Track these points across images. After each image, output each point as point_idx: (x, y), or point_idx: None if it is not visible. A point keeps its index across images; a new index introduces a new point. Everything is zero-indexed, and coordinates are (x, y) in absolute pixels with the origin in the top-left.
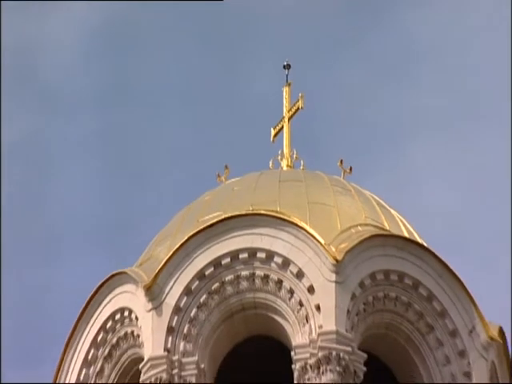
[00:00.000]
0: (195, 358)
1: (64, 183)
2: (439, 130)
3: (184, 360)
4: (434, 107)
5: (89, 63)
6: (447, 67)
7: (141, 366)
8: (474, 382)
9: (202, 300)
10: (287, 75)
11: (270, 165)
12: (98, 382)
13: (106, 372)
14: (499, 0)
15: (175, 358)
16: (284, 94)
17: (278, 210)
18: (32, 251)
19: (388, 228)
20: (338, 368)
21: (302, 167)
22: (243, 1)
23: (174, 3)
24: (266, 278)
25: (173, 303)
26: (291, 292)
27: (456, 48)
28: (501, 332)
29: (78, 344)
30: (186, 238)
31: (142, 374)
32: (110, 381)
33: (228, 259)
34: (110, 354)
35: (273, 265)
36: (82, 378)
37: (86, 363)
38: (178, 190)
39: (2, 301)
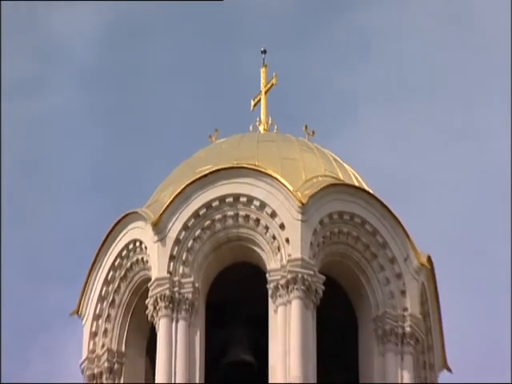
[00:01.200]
0: (191, 279)
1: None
2: (390, 101)
3: (183, 280)
4: (386, 81)
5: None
6: (401, 46)
7: (149, 284)
8: (408, 298)
9: (196, 234)
10: (264, 58)
11: (250, 129)
12: (115, 297)
13: (122, 289)
14: None
15: (176, 278)
16: (261, 73)
17: (257, 164)
18: (40, 199)
19: (342, 178)
20: (302, 287)
21: (275, 131)
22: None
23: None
24: (247, 217)
25: (174, 236)
26: (266, 228)
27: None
28: (429, 260)
29: (99, 268)
30: (184, 185)
31: (149, 291)
32: (125, 297)
33: (217, 202)
34: (125, 276)
35: (252, 207)
36: (103, 293)
37: (106, 282)
38: (178, 147)
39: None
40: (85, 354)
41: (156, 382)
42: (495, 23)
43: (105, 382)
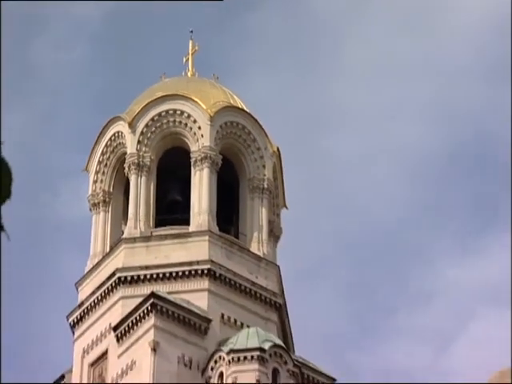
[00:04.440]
0: (149, 154)
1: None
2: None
3: (144, 155)
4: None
5: None
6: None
7: (126, 156)
8: (266, 169)
9: (152, 129)
10: (191, 35)
11: (183, 74)
12: (107, 162)
13: (111, 158)
14: None
15: (140, 153)
16: (190, 43)
17: (186, 93)
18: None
19: (232, 103)
20: (209, 161)
21: (196, 76)
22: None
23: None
24: (180, 122)
25: (140, 130)
26: (191, 128)
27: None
28: (278, 149)
29: (99, 146)
30: (147, 101)
31: (126, 160)
32: (113, 162)
33: (164, 113)
34: (112, 151)
35: (183, 116)
36: (100, 160)
37: (102, 154)
38: (144, 80)
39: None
40: (90, 192)
41: (129, 210)
42: None
43: (101, 208)
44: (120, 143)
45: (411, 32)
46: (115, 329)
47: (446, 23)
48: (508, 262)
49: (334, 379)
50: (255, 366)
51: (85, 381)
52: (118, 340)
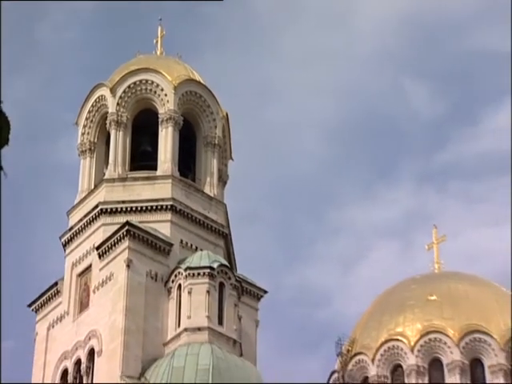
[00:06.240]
0: (126, 113)
1: None
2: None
3: (122, 114)
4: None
5: None
6: None
7: (108, 116)
8: (208, 128)
9: (129, 95)
10: (160, 23)
11: (153, 52)
12: (93, 119)
13: (96, 116)
14: None
15: (119, 113)
16: (159, 29)
17: (156, 67)
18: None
19: (192, 77)
20: (173, 121)
21: (164, 54)
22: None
23: None
24: (150, 89)
25: (119, 95)
26: (159, 95)
27: None
28: (227, 114)
29: (86, 105)
30: (125, 73)
31: (108, 117)
32: (97, 119)
33: (138, 82)
34: (97, 110)
35: (153, 85)
36: (87, 116)
37: (89, 112)
38: (124, 56)
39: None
40: (78, 142)
41: (110, 157)
42: None
43: (87, 155)
44: (103, 104)
45: (332, 26)
46: (98, 248)
47: (357, 21)
48: (400, 205)
49: (266, 291)
50: (206, 279)
51: (73, 287)
52: (99, 257)
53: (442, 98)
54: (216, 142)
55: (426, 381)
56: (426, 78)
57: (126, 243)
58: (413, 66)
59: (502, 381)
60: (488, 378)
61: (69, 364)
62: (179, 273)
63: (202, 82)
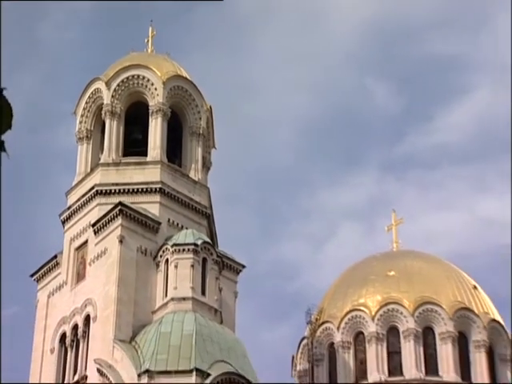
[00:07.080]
0: (120, 105)
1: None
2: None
3: (116, 106)
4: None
5: None
6: None
7: (103, 107)
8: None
9: (122, 88)
10: (151, 24)
11: (145, 50)
12: (90, 109)
13: (93, 107)
14: None
15: (113, 104)
16: (150, 30)
17: (147, 64)
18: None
19: (180, 74)
20: (162, 113)
21: (154, 52)
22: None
23: None
24: (141, 84)
25: (113, 88)
26: (150, 89)
27: None
28: (210, 107)
29: (84, 96)
30: (119, 68)
31: (103, 108)
32: (93, 109)
33: (131, 77)
34: (93, 101)
35: (144, 80)
36: (85, 106)
37: (86, 103)
38: (117, 53)
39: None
40: (76, 129)
41: (105, 143)
42: None
43: (85, 141)
44: (99, 96)
45: (306, 30)
46: (93, 225)
47: (329, 25)
48: (364, 190)
49: (244, 265)
50: (190, 255)
51: (71, 259)
52: (95, 233)
53: (401, 96)
54: (200, 132)
55: (385, 346)
56: (387, 78)
57: (118, 221)
58: (376, 67)
59: (450, 346)
60: (438, 343)
61: (67, 328)
62: (166, 249)
63: (188, 78)
